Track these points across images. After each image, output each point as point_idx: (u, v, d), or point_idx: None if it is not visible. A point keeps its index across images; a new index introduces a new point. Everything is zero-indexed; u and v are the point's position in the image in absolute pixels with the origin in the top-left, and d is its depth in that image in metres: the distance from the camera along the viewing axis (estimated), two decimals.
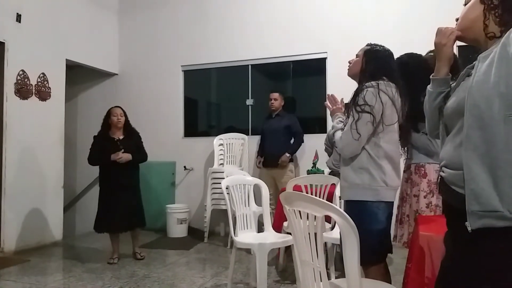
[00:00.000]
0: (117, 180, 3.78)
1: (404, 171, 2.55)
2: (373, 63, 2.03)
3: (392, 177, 1.97)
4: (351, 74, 2.17)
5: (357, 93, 1.98)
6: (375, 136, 1.95)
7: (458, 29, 1.29)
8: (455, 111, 1.19)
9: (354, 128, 1.91)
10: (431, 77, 1.39)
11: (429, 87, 1.41)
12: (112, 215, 3.75)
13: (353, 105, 1.95)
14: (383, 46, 2.11)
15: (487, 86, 1.06)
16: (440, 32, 1.35)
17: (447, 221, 1.27)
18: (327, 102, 2.32)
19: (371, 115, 1.90)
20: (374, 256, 1.94)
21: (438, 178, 1.29)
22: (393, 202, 2.00)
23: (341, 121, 2.12)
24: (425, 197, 2.35)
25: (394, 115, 1.98)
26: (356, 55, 2.14)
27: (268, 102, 4.71)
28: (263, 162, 4.70)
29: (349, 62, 2.17)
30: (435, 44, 1.37)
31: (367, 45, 2.13)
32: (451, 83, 1.35)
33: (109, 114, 3.89)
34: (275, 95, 4.67)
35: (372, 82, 1.96)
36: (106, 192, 3.83)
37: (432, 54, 2.37)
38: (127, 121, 3.96)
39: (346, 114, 2.07)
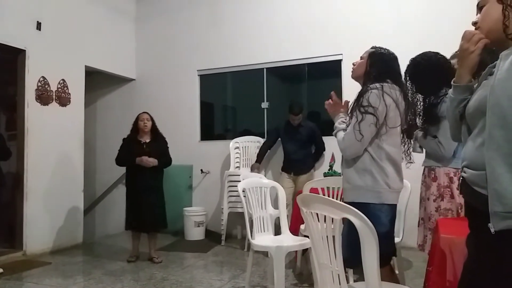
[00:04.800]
0: (142, 182, 3.93)
1: (422, 174, 2.53)
2: (378, 66, 2.02)
3: (395, 179, 1.95)
4: (354, 76, 2.16)
5: (361, 95, 1.97)
6: (378, 138, 1.94)
7: (481, 33, 1.22)
8: (477, 110, 1.16)
9: (357, 129, 1.90)
10: (452, 83, 1.32)
11: (450, 92, 1.33)
12: (138, 214, 3.91)
13: (357, 106, 1.95)
14: (388, 49, 2.11)
15: (510, 84, 1.03)
16: (467, 38, 1.23)
17: (469, 223, 1.24)
18: (329, 101, 2.22)
19: (375, 117, 1.89)
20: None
21: (459, 179, 1.26)
22: (396, 205, 1.98)
23: (344, 122, 2.11)
24: (434, 200, 2.34)
25: (397, 118, 1.97)
26: (361, 57, 2.14)
27: (284, 106, 4.67)
28: (285, 168, 4.67)
29: (353, 64, 2.17)
30: (461, 49, 1.25)
31: (371, 48, 2.13)
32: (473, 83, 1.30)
33: (137, 119, 4.09)
34: (299, 116, 4.50)
35: (376, 84, 1.95)
36: (132, 193, 4.00)
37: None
38: (154, 126, 4.11)
39: (349, 115, 2.05)
